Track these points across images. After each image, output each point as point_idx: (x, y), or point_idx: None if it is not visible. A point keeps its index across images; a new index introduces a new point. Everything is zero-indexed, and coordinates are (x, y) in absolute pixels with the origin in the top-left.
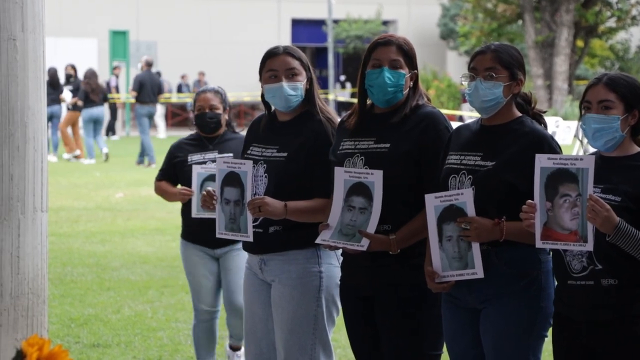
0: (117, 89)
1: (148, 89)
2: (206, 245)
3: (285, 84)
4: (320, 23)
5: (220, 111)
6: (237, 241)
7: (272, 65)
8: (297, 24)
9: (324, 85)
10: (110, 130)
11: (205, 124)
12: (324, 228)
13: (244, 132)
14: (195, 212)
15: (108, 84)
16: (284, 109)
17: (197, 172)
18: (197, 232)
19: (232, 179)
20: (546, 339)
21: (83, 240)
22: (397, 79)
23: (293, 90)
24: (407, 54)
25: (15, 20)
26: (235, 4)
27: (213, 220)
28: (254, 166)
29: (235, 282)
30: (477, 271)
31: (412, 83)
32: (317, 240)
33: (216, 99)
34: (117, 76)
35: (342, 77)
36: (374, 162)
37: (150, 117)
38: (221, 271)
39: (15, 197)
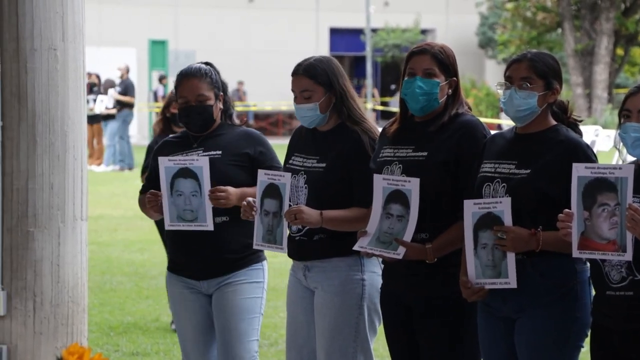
0: (163, 98)
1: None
2: (191, 276)
3: (299, 106)
4: (359, 32)
5: (211, 102)
6: (232, 272)
7: (292, 85)
8: (335, 33)
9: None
10: None
11: (191, 121)
12: (362, 235)
13: (282, 141)
14: (169, 222)
15: (155, 92)
16: (306, 126)
17: (165, 167)
18: (179, 261)
19: (272, 191)
20: (583, 349)
21: (122, 248)
22: (430, 87)
23: (308, 110)
24: (443, 62)
25: (56, 30)
26: (273, 13)
27: (194, 243)
28: (294, 176)
29: (234, 328)
30: (511, 281)
31: (450, 91)
32: (355, 247)
33: (204, 85)
34: (164, 85)
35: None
36: (412, 170)
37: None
38: (214, 314)
39: (55, 205)
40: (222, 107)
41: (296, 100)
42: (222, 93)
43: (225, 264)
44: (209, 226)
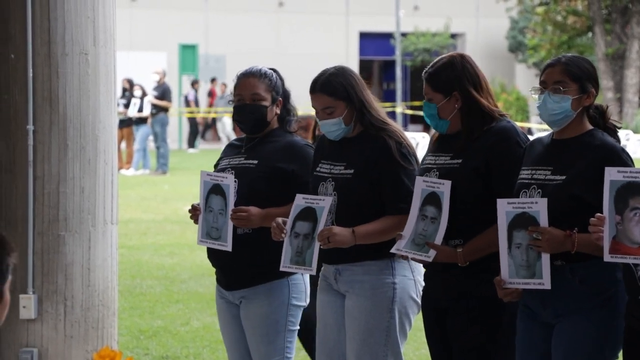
0: (196, 103)
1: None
2: (221, 285)
3: (323, 122)
4: (388, 36)
5: (267, 103)
6: (252, 285)
7: (312, 102)
8: (364, 37)
9: (392, 98)
10: (191, 144)
11: (244, 120)
12: (399, 238)
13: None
14: (199, 238)
15: (186, 97)
16: (333, 139)
17: (204, 181)
18: (216, 271)
19: (308, 214)
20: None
21: (152, 252)
22: (431, 110)
23: (333, 125)
24: (437, 90)
25: (87, 35)
26: (303, 17)
27: (219, 252)
28: (322, 184)
29: (255, 349)
30: (545, 282)
31: (457, 105)
32: (392, 250)
33: (261, 86)
34: (196, 90)
35: None
36: (446, 177)
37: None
38: (244, 326)
39: (86, 209)
40: (278, 112)
41: (319, 115)
42: (280, 99)
43: (245, 276)
44: (228, 247)
